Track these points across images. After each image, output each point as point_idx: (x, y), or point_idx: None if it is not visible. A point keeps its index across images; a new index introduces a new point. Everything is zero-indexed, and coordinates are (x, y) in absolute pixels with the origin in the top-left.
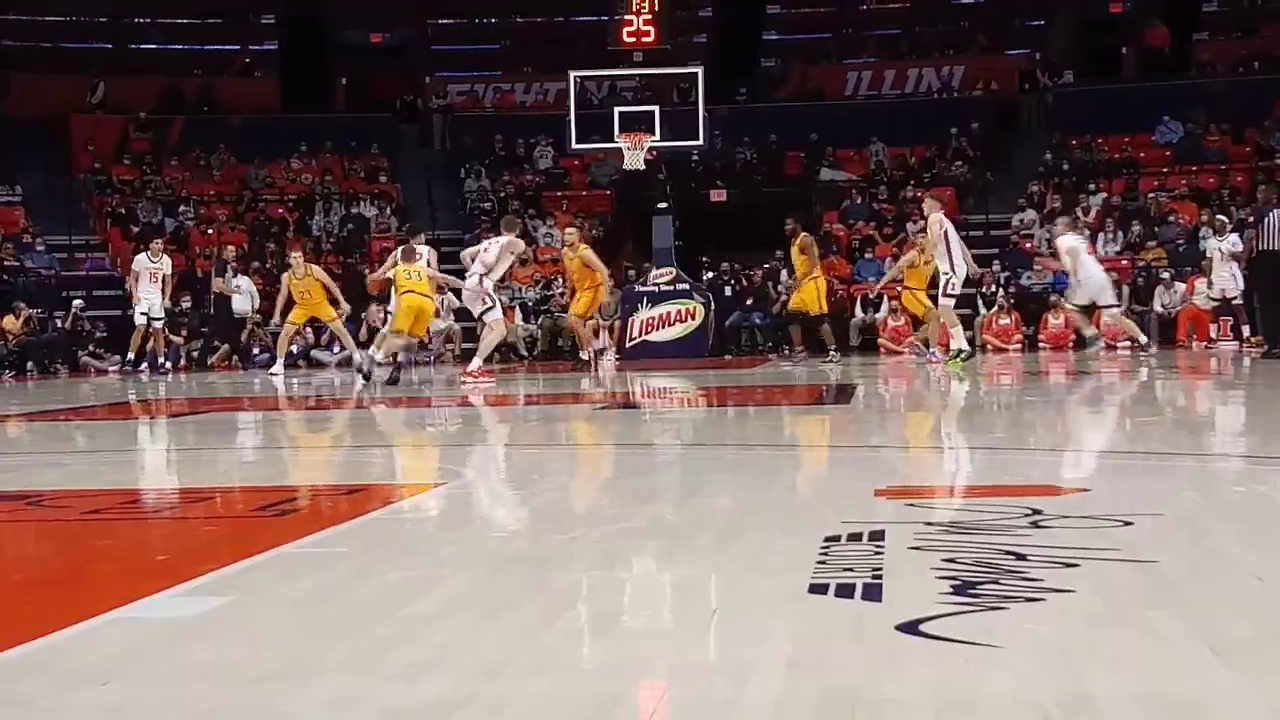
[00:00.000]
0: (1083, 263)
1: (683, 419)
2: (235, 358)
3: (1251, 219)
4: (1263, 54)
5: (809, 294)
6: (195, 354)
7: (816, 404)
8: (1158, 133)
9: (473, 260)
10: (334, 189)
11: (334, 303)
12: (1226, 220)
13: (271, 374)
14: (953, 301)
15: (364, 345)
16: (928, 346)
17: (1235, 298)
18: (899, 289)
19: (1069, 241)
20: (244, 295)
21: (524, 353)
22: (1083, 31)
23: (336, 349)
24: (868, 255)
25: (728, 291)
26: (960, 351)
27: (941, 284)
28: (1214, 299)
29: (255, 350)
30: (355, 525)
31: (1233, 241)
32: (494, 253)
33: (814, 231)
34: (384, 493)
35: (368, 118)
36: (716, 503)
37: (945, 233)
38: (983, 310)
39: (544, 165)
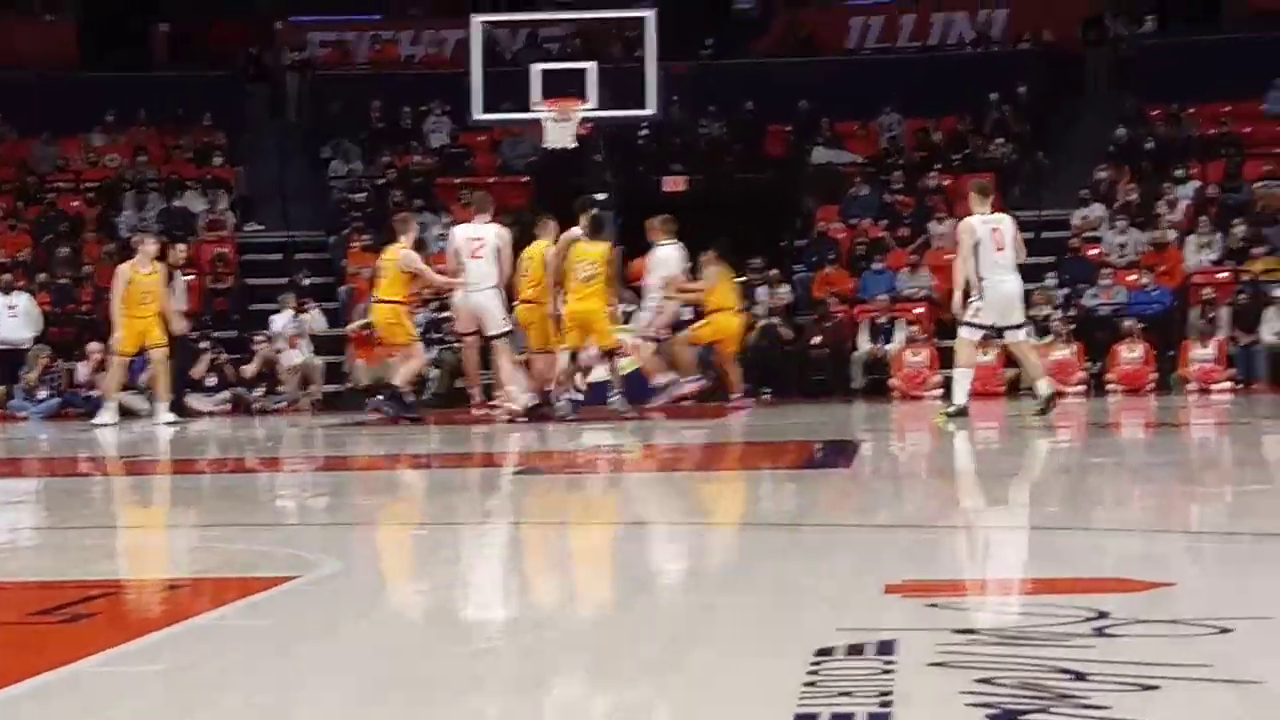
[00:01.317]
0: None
1: (626, 486)
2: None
3: None
4: None
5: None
6: None
7: (807, 466)
8: (1270, 100)
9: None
10: (150, 174)
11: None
12: None
13: (97, 425)
14: (978, 335)
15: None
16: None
17: None
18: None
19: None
20: (19, 318)
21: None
22: None
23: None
24: (876, 265)
25: (687, 314)
26: (958, 408)
27: (969, 309)
28: None
29: (44, 393)
30: (173, 635)
31: None
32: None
33: (805, 232)
34: (216, 589)
35: (198, 77)
36: (669, 601)
37: (978, 244)
38: (1033, 339)
39: (437, 142)
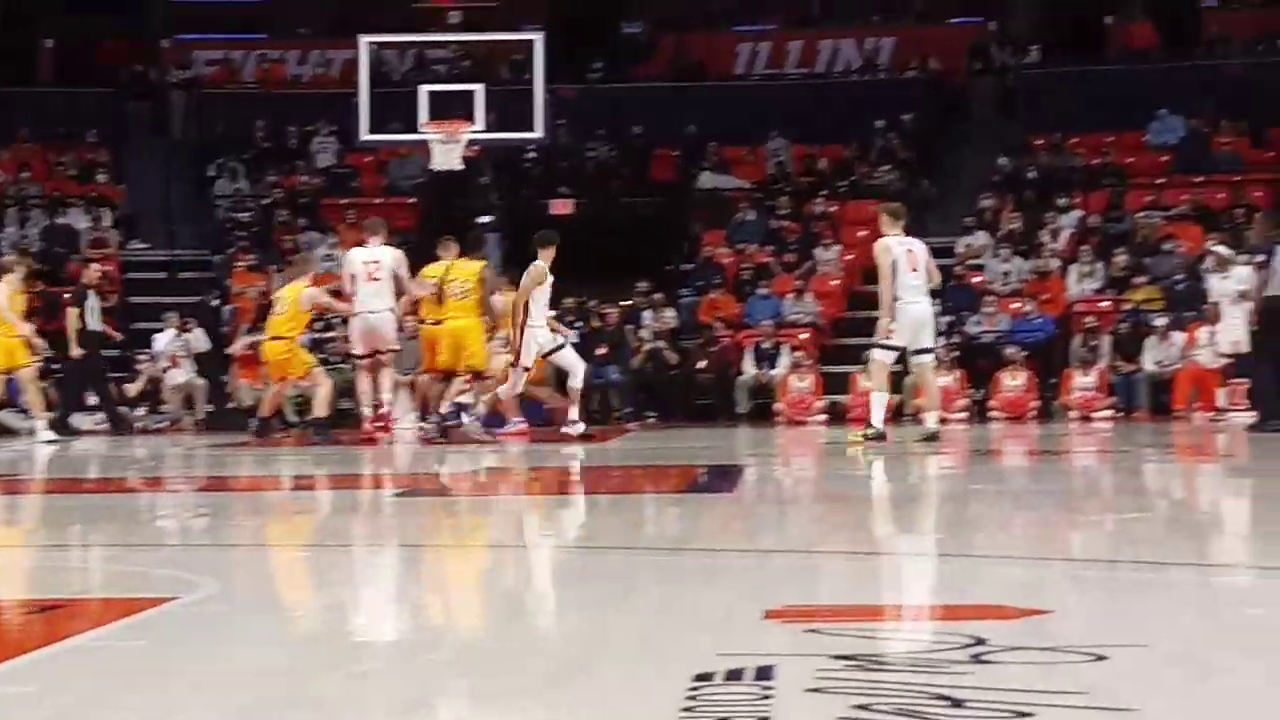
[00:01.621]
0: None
1: (508, 510)
2: None
3: (1259, 255)
4: None
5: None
6: None
7: (691, 491)
8: (1152, 131)
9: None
10: (32, 191)
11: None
12: (1231, 252)
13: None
14: (891, 357)
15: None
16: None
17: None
18: None
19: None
20: None
21: (293, 418)
22: None
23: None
24: (762, 290)
25: (572, 337)
26: (876, 431)
27: (881, 331)
28: (1223, 355)
29: None
30: (50, 655)
31: (1240, 278)
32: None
33: (691, 256)
34: (90, 610)
35: (82, 94)
36: (550, 626)
37: (895, 263)
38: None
39: (324, 162)
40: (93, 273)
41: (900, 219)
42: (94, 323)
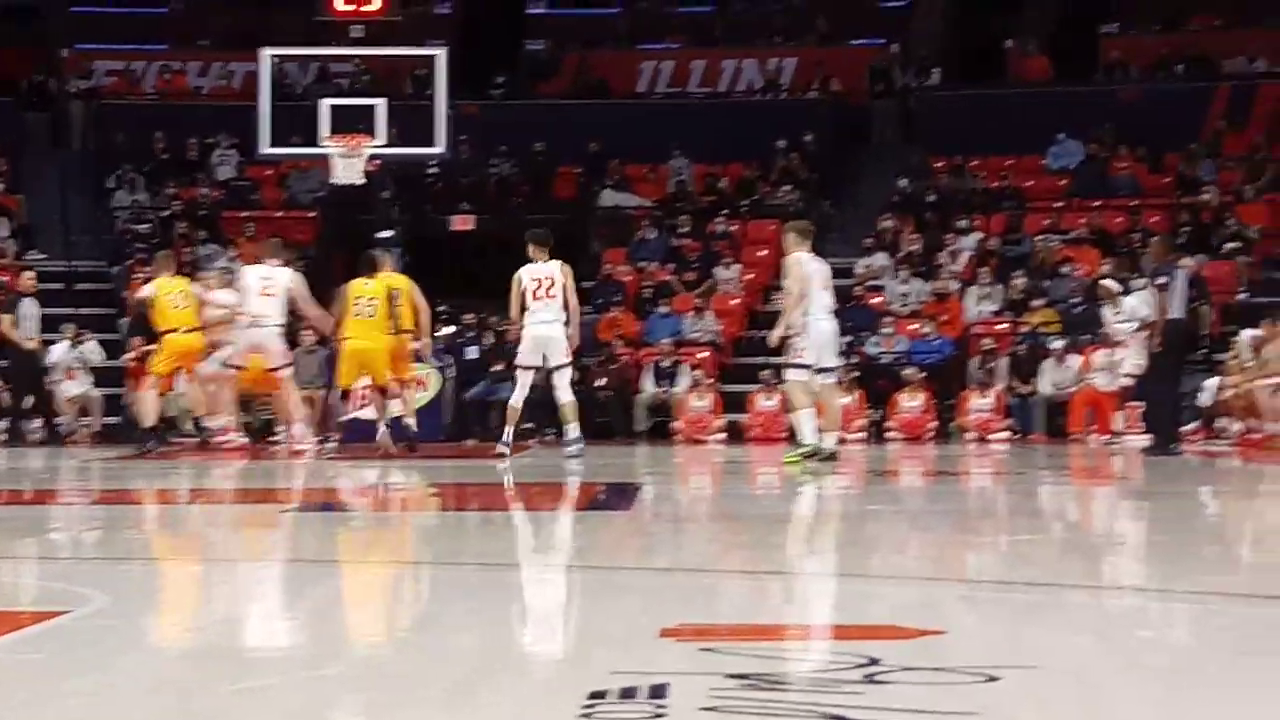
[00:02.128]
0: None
1: (407, 527)
2: None
3: (1160, 278)
4: (1189, 53)
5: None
6: None
7: (588, 508)
8: (1051, 155)
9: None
10: None
11: None
12: (1119, 286)
13: None
14: (804, 375)
15: None
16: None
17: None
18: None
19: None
20: None
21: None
22: (955, 17)
23: None
24: (662, 308)
25: (472, 353)
26: (811, 448)
27: (792, 350)
28: (1124, 376)
29: None
30: None
31: (1129, 309)
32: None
33: (592, 274)
34: None
35: None
36: (447, 643)
37: (808, 279)
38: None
39: (225, 175)
40: (26, 280)
41: (808, 237)
42: (32, 330)
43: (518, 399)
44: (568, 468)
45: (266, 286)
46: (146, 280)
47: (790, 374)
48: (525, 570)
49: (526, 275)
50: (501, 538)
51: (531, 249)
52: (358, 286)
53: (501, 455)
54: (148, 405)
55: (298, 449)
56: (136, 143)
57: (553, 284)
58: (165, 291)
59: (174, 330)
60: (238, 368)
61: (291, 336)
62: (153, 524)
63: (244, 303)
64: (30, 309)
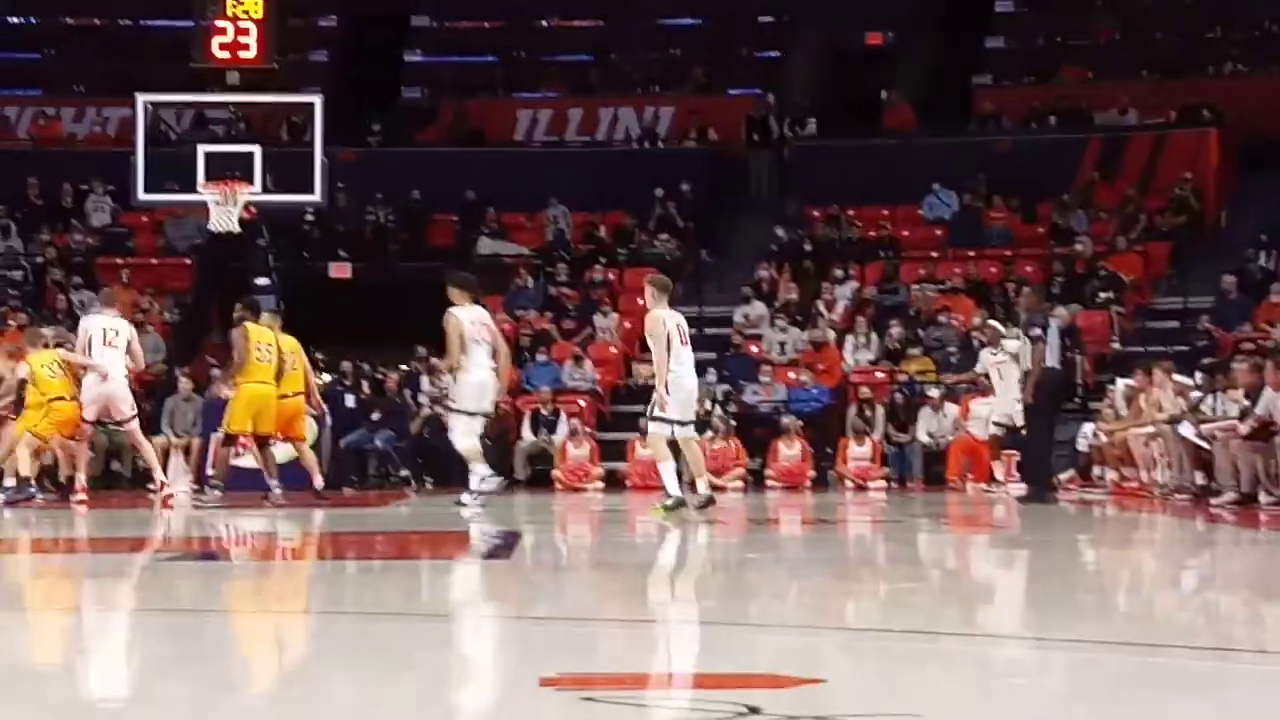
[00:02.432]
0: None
1: (283, 575)
2: None
3: (1034, 329)
4: (1061, 104)
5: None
6: None
7: (466, 558)
8: (926, 205)
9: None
10: None
11: None
12: (1000, 326)
13: None
14: (668, 430)
15: None
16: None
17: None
18: None
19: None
20: None
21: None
22: (831, 68)
23: None
24: (540, 357)
25: (349, 401)
26: (675, 500)
27: (656, 404)
28: (997, 425)
29: None
30: None
31: (1009, 350)
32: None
33: None
34: None
35: None
36: (324, 693)
37: (669, 335)
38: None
39: (100, 221)
40: None
41: (667, 292)
42: None
43: (474, 443)
44: (438, 516)
45: (111, 339)
46: (21, 329)
47: (653, 427)
48: (404, 619)
49: (465, 319)
50: (377, 587)
51: (456, 293)
52: (257, 332)
53: (464, 505)
54: (24, 457)
55: (166, 495)
56: (10, 188)
57: (489, 329)
58: (41, 364)
59: (60, 398)
60: (91, 422)
61: (170, 384)
62: (26, 575)
63: (89, 354)
64: None
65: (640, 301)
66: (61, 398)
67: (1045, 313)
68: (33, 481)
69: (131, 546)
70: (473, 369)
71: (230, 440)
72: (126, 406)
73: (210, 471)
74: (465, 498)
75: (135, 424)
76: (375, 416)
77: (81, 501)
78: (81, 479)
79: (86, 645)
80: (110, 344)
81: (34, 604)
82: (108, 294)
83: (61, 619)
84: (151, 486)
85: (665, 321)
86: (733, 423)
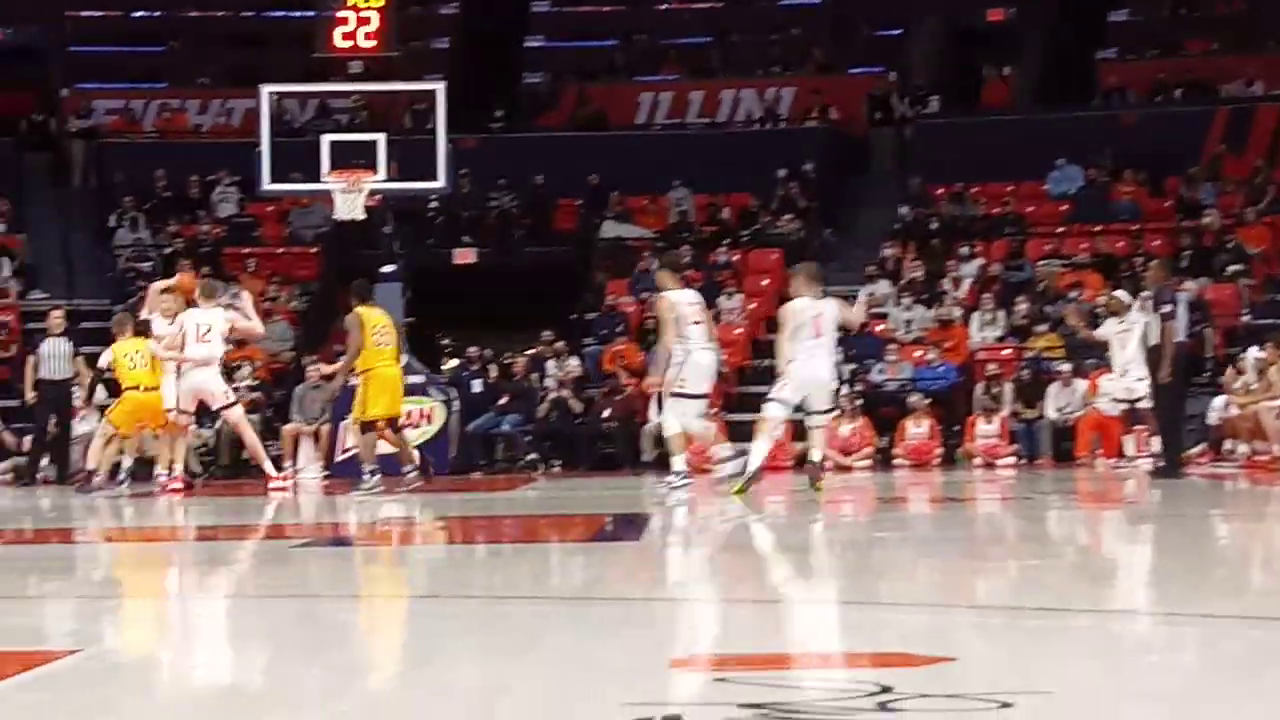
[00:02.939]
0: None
1: (413, 560)
2: None
3: (1165, 305)
4: (1186, 77)
5: None
6: None
7: (596, 539)
8: (1051, 180)
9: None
10: None
11: None
12: (1125, 298)
13: None
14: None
15: None
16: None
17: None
18: None
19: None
20: None
21: (197, 469)
22: (952, 46)
23: None
24: None
25: (476, 386)
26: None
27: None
28: (1121, 400)
29: None
30: None
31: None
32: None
33: (595, 305)
34: None
35: None
36: (455, 677)
37: (676, 319)
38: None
39: (226, 211)
40: (54, 319)
41: (816, 281)
42: (59, 369)
43: (686, 426)
44: (567, 499)
45: (203, 333)
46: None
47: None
48: (533, 603)
49: (681, 301)
50: (507, 570)
51: (666, 276)
52: (371, 316)
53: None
54: (95, 448)
55: (275, 480)
56: (137, 181)
57: (703, 308)
58: (123, 353)
59: (135, 388)
60: (188, 412)
61: (299, 373)
62: (164, 563)
63: (185, 347)
64: (57, 348)
65: (764, 282)
66: (136, 387)
67: (1174, 287)
68: (100, 473)
69: (269, 533)
70: (695, 350)
71: (369, 427)
72: (221, 394)
73: (362, 463)
74: (672, 478)
75: (236, 410)
76: (503, 400)
77: (176, 490)
78: (178, 468)
79: (219, 631)
80: (203, 339)
81: (161, 592)
82: (206, 286)
83: (191, 605)
84: (282, 470)
85: (674, 306)
86: (858, 402)
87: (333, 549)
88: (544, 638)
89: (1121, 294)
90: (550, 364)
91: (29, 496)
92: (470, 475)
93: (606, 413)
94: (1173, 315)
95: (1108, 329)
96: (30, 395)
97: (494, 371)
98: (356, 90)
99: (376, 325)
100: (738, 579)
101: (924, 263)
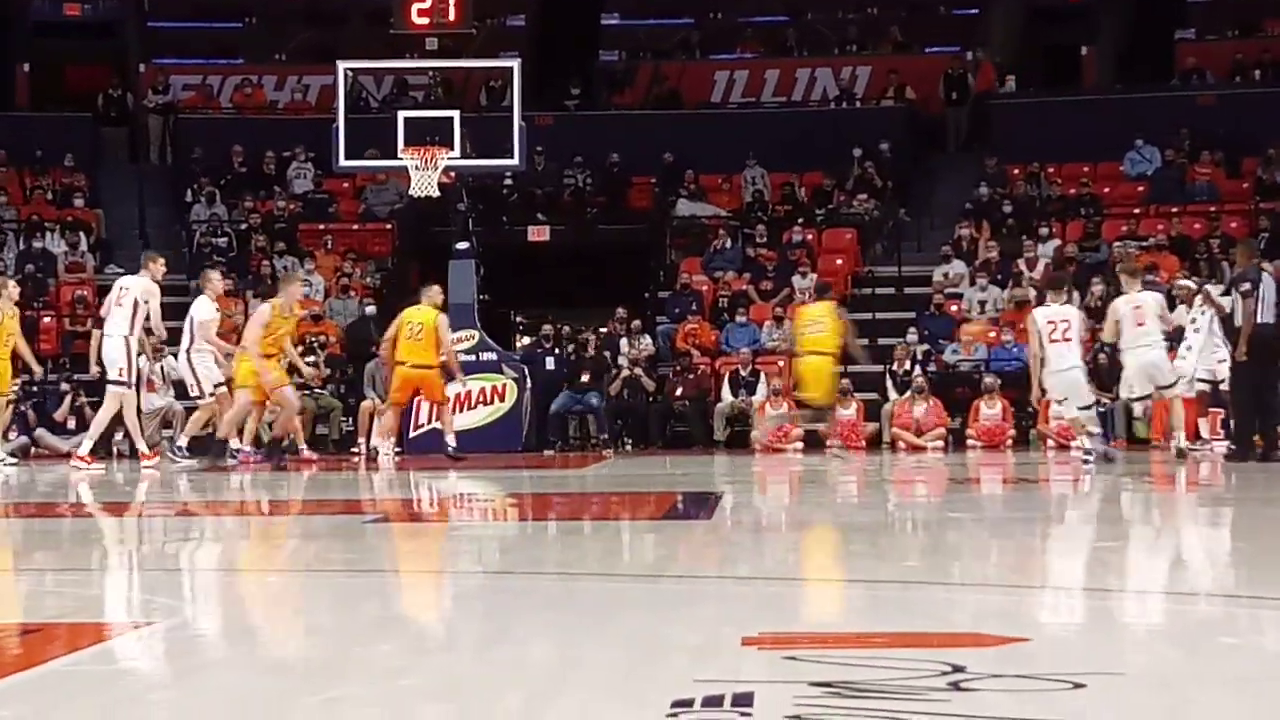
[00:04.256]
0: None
1: (485, 536)
2: None
3: (1244, 284)
4: (1265, 58)
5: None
6: None
7: (668, 517)
8: (1128, 161)
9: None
10: (10, 215)
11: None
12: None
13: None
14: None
15: None
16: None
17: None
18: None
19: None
20: None
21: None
22: (1030, 25)
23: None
24: (740, 318)
25: (550, 364)
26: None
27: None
28: (1201, 382)
29: None
30: (25, 681)
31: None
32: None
33: (668, 284)
34: (67, 634)
35: (59, 118)
36: (528, 652)
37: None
38: (892, 395)
39: (301, 188)
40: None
41: (1137, 276)
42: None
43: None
44: (639, 477)
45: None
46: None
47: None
48: (605, 580)
49: (1042, 317)
50: (579, 547)
51: (1050, 293)
52: (410, 314)
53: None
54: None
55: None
56: (213, 156)
57: (1069, 326)
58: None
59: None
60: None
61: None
62: (239, 536)
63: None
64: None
65: (838, 261)
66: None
67: (1257, 267)
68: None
69: (333, 509)
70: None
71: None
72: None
73: (448, 439)
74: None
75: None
76: (580, 378)
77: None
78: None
79: (293, 606)
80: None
81: (237, 566)
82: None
83: (279, 581)
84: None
85: (1117, 309)
86: (933, 382)
87: (404, 525)
88: (616, 615)
89: (1188, 283)
90: (623, 342)
91: (105, 468)
92: (543, 453)
93: (679, 391)
94: (1251, 294)
95: (1183, 313)
96: (95, 369)
97: (568, 349)
98: (433, 67)
99: (410, 322)
100: (809, 558)
101: (999, 243)
